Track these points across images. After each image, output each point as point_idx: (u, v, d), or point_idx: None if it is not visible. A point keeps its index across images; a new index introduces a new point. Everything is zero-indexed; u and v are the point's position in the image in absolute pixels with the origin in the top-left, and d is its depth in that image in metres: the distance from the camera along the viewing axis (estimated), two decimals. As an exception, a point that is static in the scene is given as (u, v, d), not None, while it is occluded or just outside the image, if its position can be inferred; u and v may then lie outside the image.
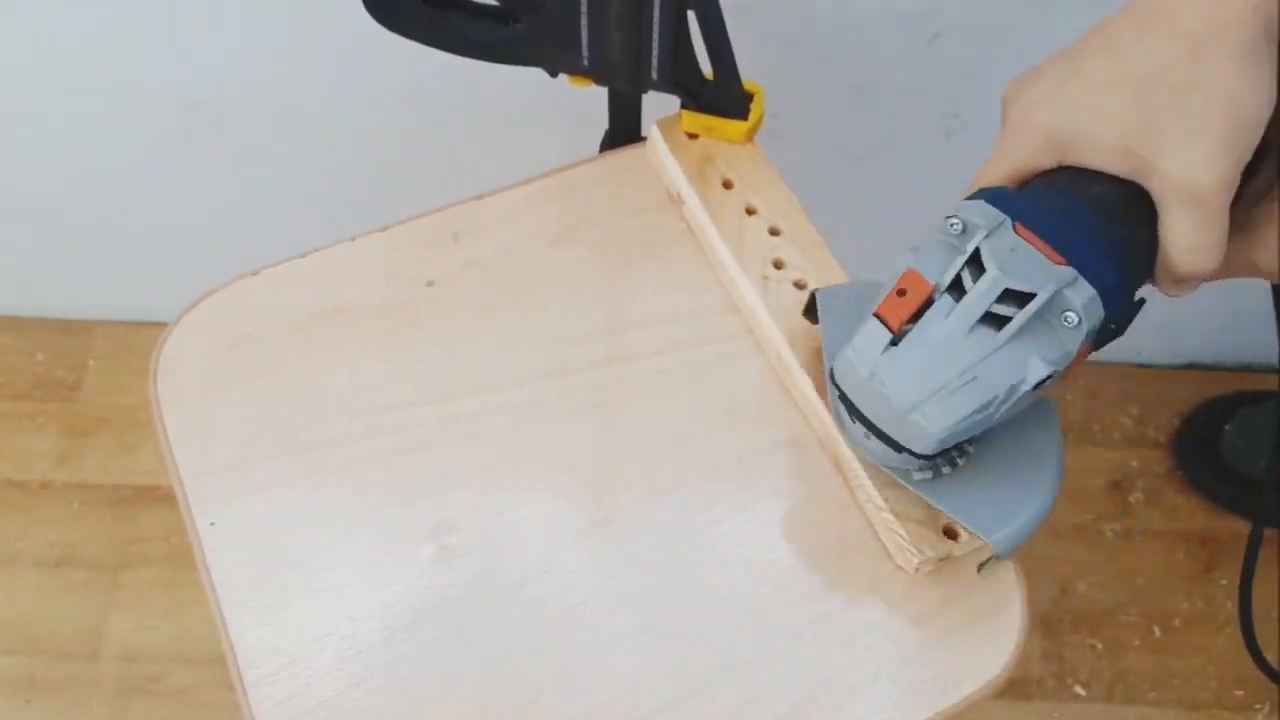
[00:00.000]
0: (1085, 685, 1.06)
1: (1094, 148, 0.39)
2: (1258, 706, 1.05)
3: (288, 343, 0.51)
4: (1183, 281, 0.40)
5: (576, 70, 0.52)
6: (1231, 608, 1.10)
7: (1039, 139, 0.40)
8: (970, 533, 0.44)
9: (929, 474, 0.44)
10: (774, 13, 0.76)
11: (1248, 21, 0.36)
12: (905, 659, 0.44)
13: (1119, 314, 0.39)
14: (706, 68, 0.52)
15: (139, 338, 1.20)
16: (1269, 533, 0.63)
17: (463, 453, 0.49)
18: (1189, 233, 0.38)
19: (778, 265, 0.51)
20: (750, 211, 0.53)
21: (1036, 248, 0.38)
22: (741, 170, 0.54)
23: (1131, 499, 1.15)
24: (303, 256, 0.53)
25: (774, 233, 0.52)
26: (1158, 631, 1.09)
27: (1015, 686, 1.06)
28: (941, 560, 0.44)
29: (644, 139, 0.57)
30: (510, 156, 0.68)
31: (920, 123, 0.87)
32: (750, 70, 0.53)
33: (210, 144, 0.93)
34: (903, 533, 0.44)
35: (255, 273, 0.53)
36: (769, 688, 0.44)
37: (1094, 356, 0.41)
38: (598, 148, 0.59)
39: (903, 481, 0.44)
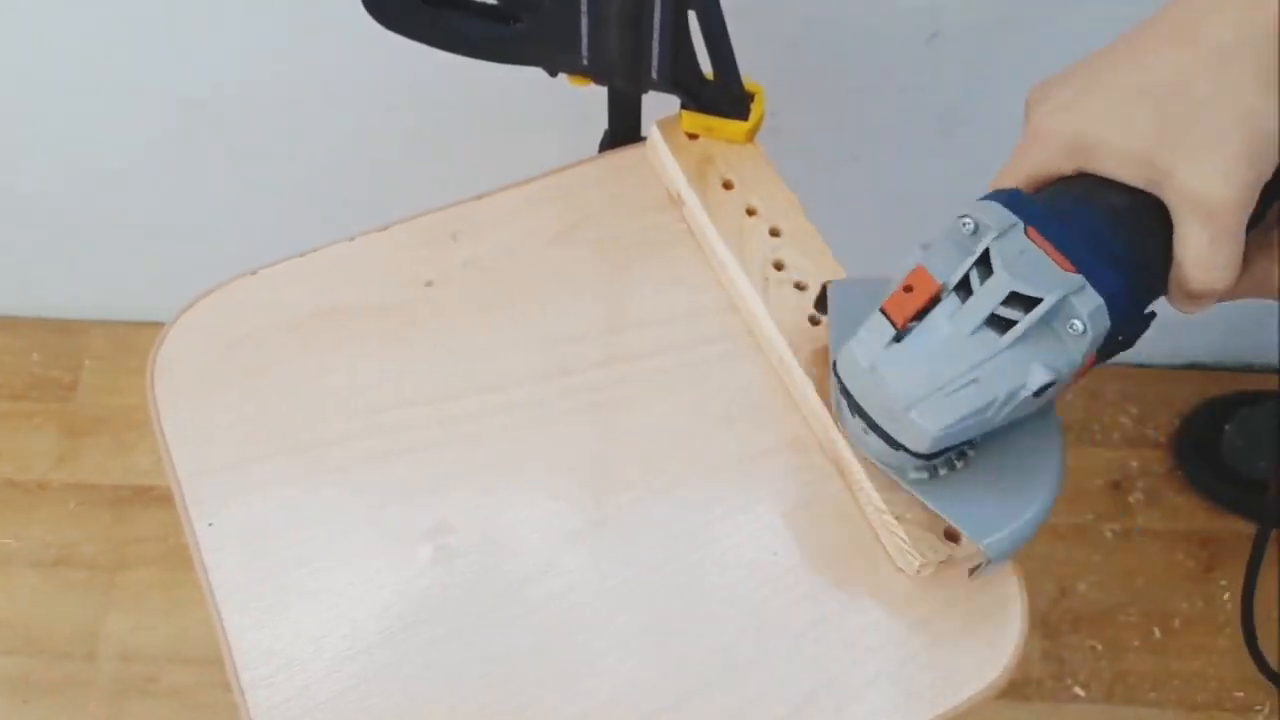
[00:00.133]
0: (1085, 686, 1.06)
1: (1113, 156, 0.38)
2: (1258, 708, 1.05)
3: (286, 342, 0.51)
4: (1196, 298, 0.39)
5: (576, 70, 0.52)
6: (1231, 608, 1.10)
7: (1059, 145, 0.40)
8: (969, 540, 0.44)
9: (925, 474, 0.43)
10: (774, 13, 0.76)
11: (1275, 37, 0.36)
12: (906, 660, 0.44)
13: (1126, 325, 0.39)
14: (707, 67, 0.52)
15: (137, 338, 1.20)
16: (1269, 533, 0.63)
17: (462, 453, 0.48)
18: (1203, 247, 0.37)
19: (778, 266, 0.51)
20: (750, 212, 0.53)
21: (1046, 253, 0.38)
22: (742, 171, 0.54)
23: (1131, 499, 1.15)
24: (301, 256, 0.53)
25: (774, 234, 0.52)
26: (1157, 632, 1.09)
27: (1014, 687, 1.05)
28: (942, 563, 0.44)
29: (644, 139, 0.57)
30: (510, 156, 0.68)
31: (919, 122, 0.87)
32: (750, 70, 0.53)
33: (210, 144, 0.93)
34: (903, 535, 0.44)
35: (253, 272, 0.53)
36: (770, 688, 0.44)
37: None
38: (597, 148, 0.59)
39: (899, 480, 0.44)
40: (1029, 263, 0.38)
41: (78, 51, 0.85)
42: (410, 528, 0.47)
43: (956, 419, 0.38)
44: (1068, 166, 0.40)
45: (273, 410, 0.49)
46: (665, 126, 0.55)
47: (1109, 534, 1.13)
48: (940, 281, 0.39)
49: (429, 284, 0.53)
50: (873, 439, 0.42)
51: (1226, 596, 1.10)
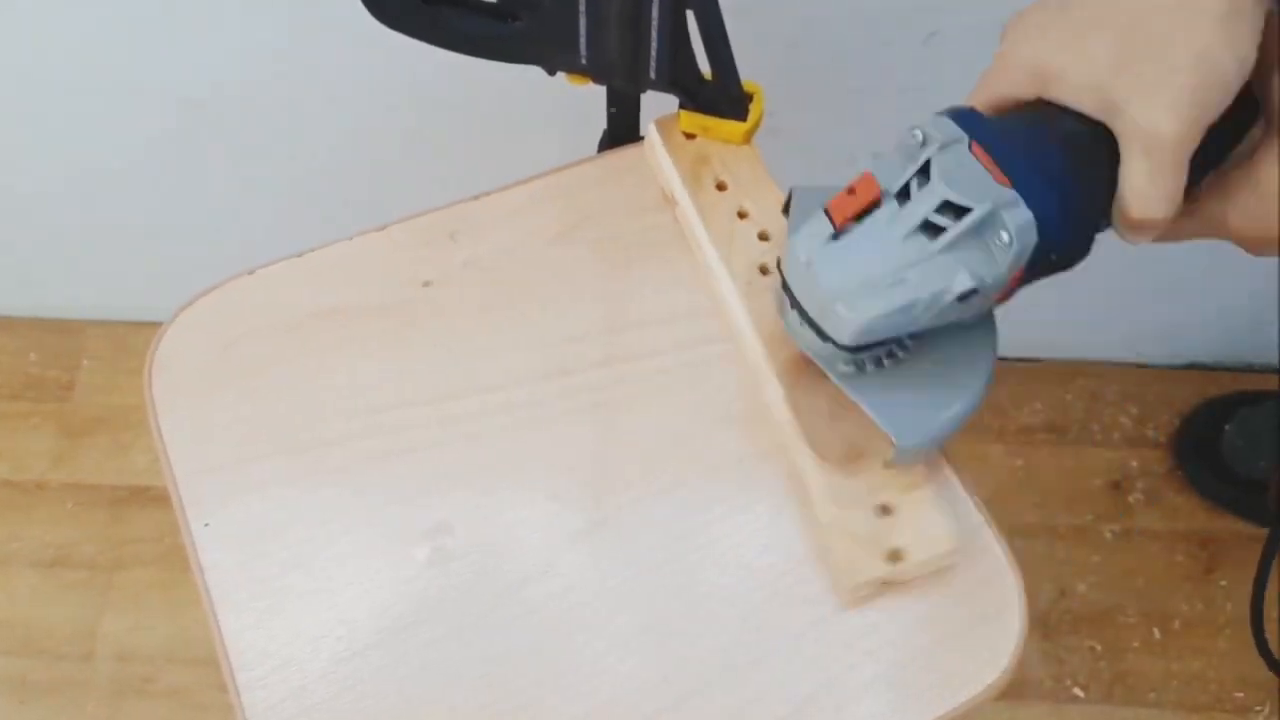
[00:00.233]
0: (1084, 687, 1.06)
1: (1069, 84, 0.40)
2: (1258, 709, 1.05)
3: (284, 342, 0.51)
4: (1136, 228, 0.40)
5: (575, 69, 0.52)
6: (1231, 609, 1.10)
7: (1022, 71, 0.41)
8: (918, 558, 0.44)
9: (852, 368, 0.45)
10: (774, 13, 0.76)
11: None
12: (906, 662, 0.44)
13: (1060, 244, 0.40)
14: (705, 67, 0.52)
15: (135, 337, 1.20)
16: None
17: (462, 453, 0.48)
18: (1143, 178, 0.39)
19: (764, 271, 0.51)
20: (742, 215, 0.53)
21: (985, 166, 0.39)
22: (736, 172, 0.54)
23: (1131, 499, 1.15)
24: (300, 256, 0.53)
25: (763, 238, 0.52)
26: (1157, 633, 1.09)
27: (1014, 688, 1.04)
28: (884, 584, 0.44)
29: (643, 138, 0.57)
30: (510, 156, 0.67)
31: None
32: (750, 70, 0.53)
33: (210, 144, 0.93)
34: (842, 553, 0.44)
35: (251, 272, 0.53)
36: (769, 689, 0.44)
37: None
38: (597, 147, 0.58)
39: (828, 372, 0.45)
40: (966, 175, 0.39)
41: (78, 51, 0.85)
42: (410, 528, 0.47)
43: (879, 314, 0.40)
44: (1029, 92, 0.41)
45: (271, 410, 0.49)
46: (663, 126, 0.55)
47: (1109, 534, 1.13)
48: (883, 187, 0.41)
49: (428, 284, 0.53)
50: (806, 331, 0.44)
51: (1227, 597, 1.10)
